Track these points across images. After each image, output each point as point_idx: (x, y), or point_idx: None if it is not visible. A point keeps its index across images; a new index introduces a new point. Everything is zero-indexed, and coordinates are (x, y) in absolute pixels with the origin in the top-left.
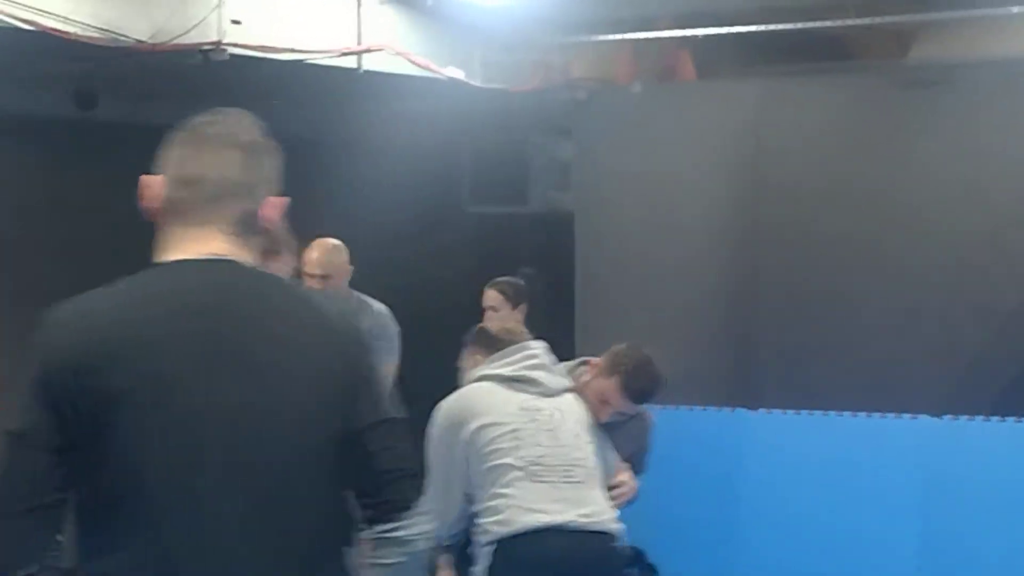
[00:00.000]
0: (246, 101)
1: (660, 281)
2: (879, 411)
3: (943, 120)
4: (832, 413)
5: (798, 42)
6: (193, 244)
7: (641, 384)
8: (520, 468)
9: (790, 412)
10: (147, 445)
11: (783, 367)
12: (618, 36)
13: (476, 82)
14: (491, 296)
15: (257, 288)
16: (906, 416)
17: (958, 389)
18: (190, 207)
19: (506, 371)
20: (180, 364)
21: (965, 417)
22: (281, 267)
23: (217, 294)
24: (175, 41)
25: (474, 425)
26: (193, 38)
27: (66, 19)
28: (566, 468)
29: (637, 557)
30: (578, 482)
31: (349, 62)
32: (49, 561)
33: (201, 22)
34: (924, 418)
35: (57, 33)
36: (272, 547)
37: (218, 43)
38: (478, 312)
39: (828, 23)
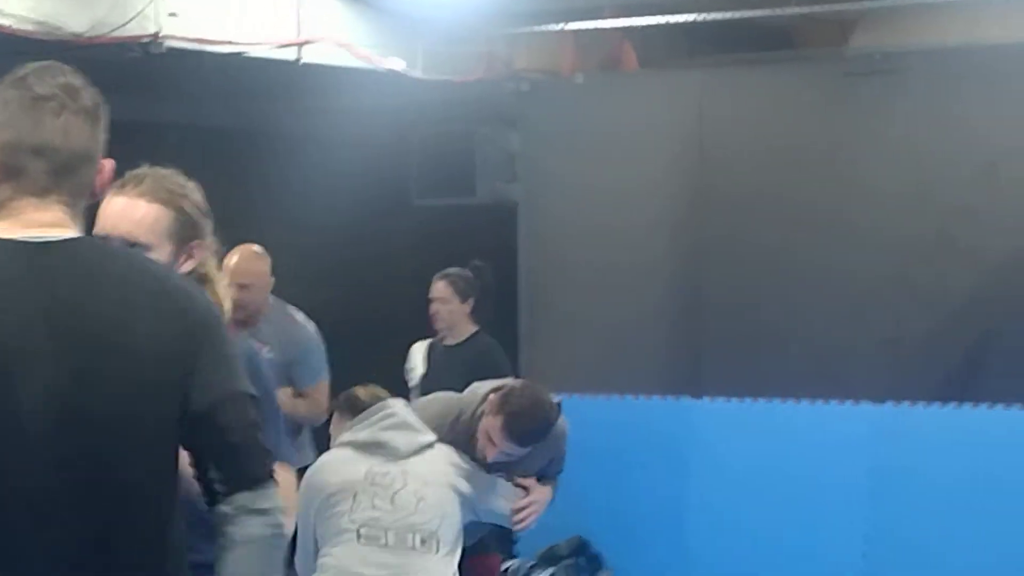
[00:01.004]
0: (185, 94)
1: (604, 271)
2: (823, 398)
3: (885, 108)
4: (776, 400)
5: (741, 31)
6: (31, 214)
7: (524, 426)
8: (351, 530)
9: (734, 400)
10: None
11: (727, 355)
12: (561, 26)
13: (418, 73)
14: (439, 288)
15: (102, 265)
16: (849, 403)
17: (902, 376)
18: (33, 177)
19: (361, 436)
20: (8, 345)
21: (908, 403)
22: (203, 252)
23: (52, 273)
24: (113, 34)
25: (323, 495)
26: (131, 31)
27: (2, 12)
28: (399, 532)
29: (582, 547)
30: (410, 548)
31: (289, 54)
32: None
33: (138, 15)
34: (867, 405)
35: None
36: (93, 535)
37: (156, 35)
38: (426, 305)
39: (770, 11)
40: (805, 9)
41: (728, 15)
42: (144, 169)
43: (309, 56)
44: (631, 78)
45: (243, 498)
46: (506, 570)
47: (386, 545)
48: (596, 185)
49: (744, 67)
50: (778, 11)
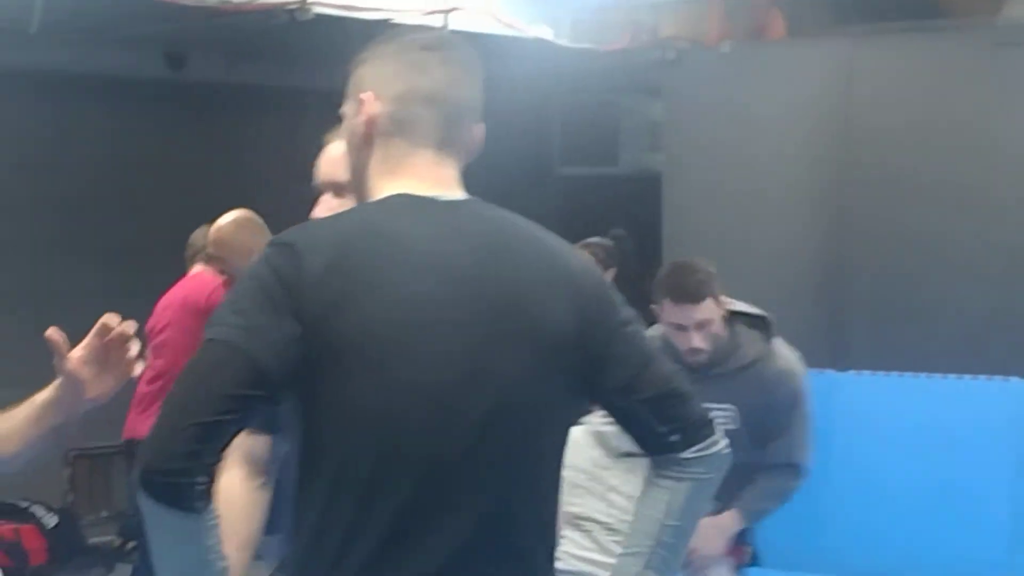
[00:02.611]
0: (332, 61)
1: (748, 242)
2: (971, 373)
3: None
4: (922, 375)
5: (890, 0)
6: (432, 170)
7: (675, 280)
8: None
9: (879, 374)
10: (388, 400)
11: (872, 328)
12: None
13: (564, 42)
14: None
15: (503, 229)
16: (998, 378)
17: None
18: (425, 129)
19: None
20: (444, 323)
21: None
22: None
23: (476, 248)
24: (260, 1)
25: None
26: None
27: None
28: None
29: None
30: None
31: (435, 21)
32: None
33: None
34: (1016, 380)
35: None
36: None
37: (303, 2)
38: None
39: None
40: None
41: None
42: None
43: (455, 23)
44: (778, 47)
45: (701, 444)
46: None
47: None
48: (740, 155)
49: (893, 36)
50: None
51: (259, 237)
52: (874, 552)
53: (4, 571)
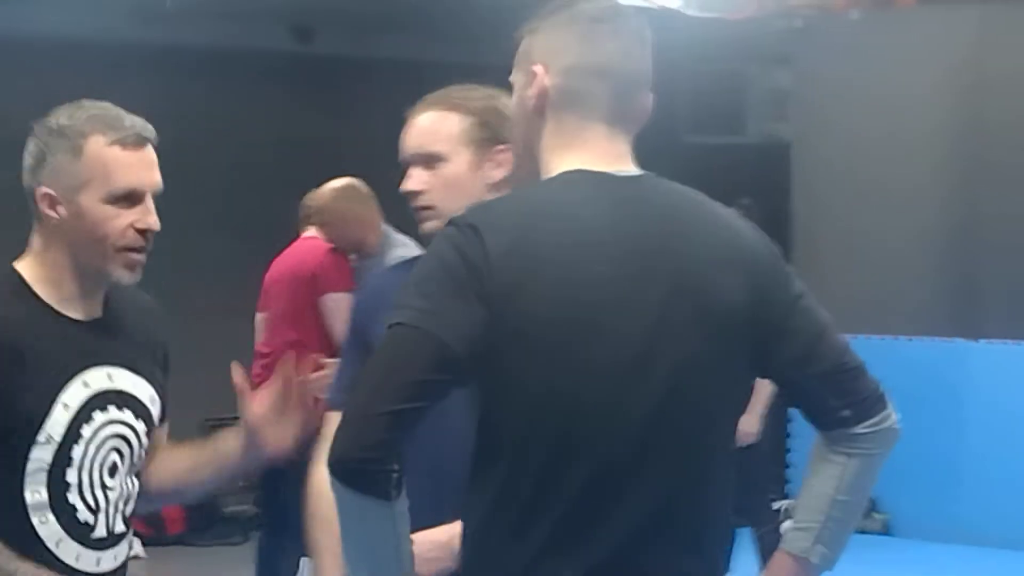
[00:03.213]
0: (457, 35)
1: (879, 209)
2: None
3: None
4: None
5: None
6: (605, 145)
7: None
8: None
9: (1012, 343)
10: (563, 388)
11: (1005, 295)
12: None
13: (692, 11)
14: None
15: (680, 204)
16: None
17: None
18: (596, 102)
19: None
20: (623, 302)
21: None
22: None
23: (653, 225)
24: None
25: None
26: None
27: None
28: None
29: None
30: None
31: None
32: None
33: None
34: None
35: None
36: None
37: None
38: None
39: None
40: None
41: None
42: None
43: None
44: (907, 14)
45: (874, 419)
46: (778, 510)
47: None
48: (870, 124)
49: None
50: None
51: (361, 206)
52: (1009, 521)
53: (143, 539)
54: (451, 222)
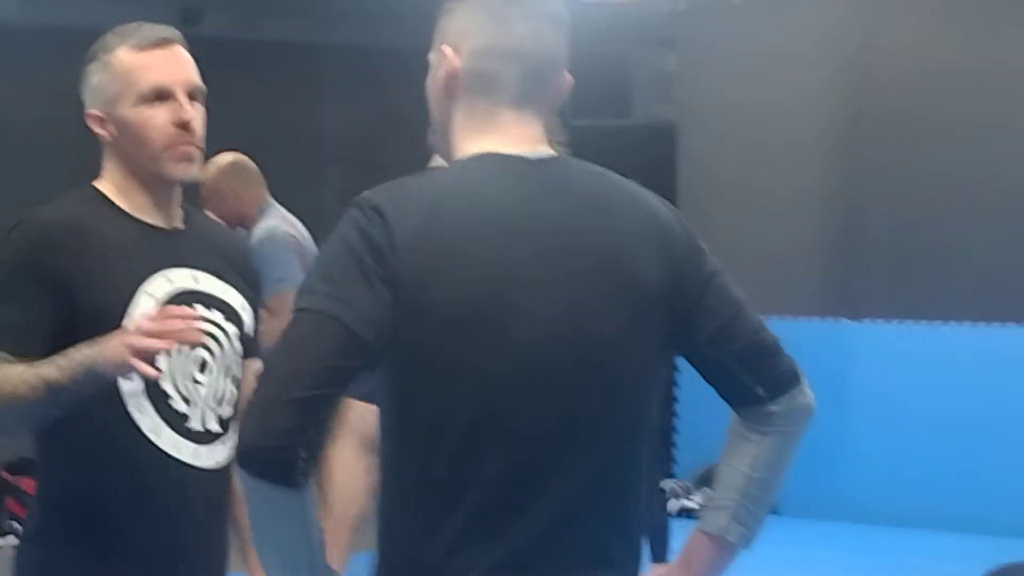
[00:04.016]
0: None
1: (762, 191)
2: (988, 320)
3: None
4: (939, 323)
5: None
6: (514, 128)
7: None
8: None
9: (895, 322)
10: (473, 373)
11: (888, 276)
12: None
13: None
14: None
15: (593, 185)
16: (1013, 325)
17: None
18: (507, 84)
19: None
20: (538, 282)
21: None
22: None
23: (569, 204)
24: None
25: None
26: None
27: None
28: None
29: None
30: None
31: None
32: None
33: None
34: None
35: None
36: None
37: None
38: None
39: None
40: None
41: None
42: None
43: None
44: None
45: (788, 397)
46: (663, 490)
47: None
48: (754, 106)
49: None
50: None
51: (238, 182)
52: (892, 499)
53: None
54: (356, 203)
